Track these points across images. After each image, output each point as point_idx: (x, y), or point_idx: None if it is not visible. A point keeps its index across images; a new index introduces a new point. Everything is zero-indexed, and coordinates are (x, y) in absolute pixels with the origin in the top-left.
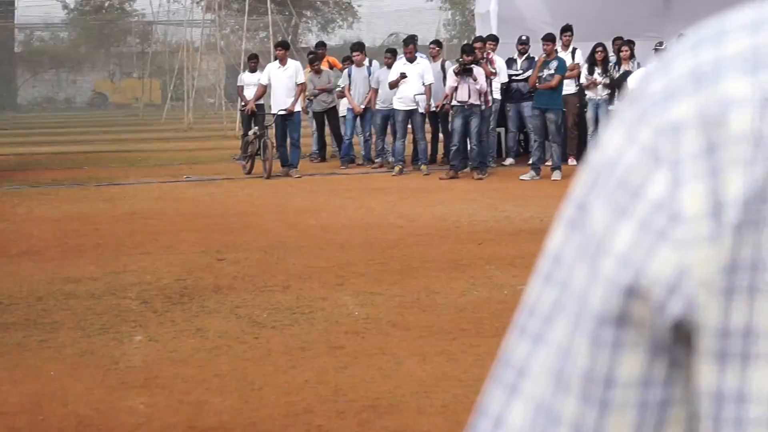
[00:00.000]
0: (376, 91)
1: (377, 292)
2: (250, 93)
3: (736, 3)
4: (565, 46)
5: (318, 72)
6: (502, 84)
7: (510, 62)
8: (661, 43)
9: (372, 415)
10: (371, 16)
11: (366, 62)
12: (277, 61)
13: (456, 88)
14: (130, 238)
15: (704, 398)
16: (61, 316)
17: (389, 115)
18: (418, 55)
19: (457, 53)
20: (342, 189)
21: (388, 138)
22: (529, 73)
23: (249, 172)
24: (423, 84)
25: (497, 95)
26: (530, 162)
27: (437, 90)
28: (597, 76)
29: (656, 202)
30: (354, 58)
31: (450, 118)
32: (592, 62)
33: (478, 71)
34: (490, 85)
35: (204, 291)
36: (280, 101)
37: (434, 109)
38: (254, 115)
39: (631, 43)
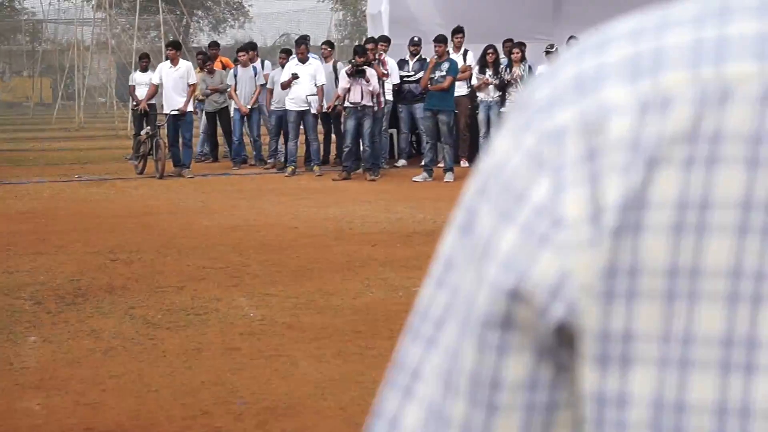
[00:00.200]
0: (271, 91)
1: (272, 294)
2: (141, 92)
3: (624, 7)
4: (457, 48)
5: (211, 72)
6: (394, 85)
7: (402, 63)
8: (552, 46)
9: (270, 416)
10: (263, 17)
11: (257, 62)
12: (169, 61)
13: (348, 90)
14: (22, 238)
15: (587, 401)
16: None
17: (283, 115)
18: (310, 55)
19: (349, 54)
20: (235, 190)
21: (282, 138)
22: (421, 74)
23: (141, 172)
24: (315, 85)
25: (389, 96)
26: (423, 163)
27: (329, 91)
28: (488, 77)
29: (539, 207)
30: (239, 58)
31: (342, 119)
32: (483, 64)
33: (370, 72)
34: (382, 86)
35: (98, 291)
36: (171, 101)
37: (326, 110)
38: (146, 114)
39: (522, 45)
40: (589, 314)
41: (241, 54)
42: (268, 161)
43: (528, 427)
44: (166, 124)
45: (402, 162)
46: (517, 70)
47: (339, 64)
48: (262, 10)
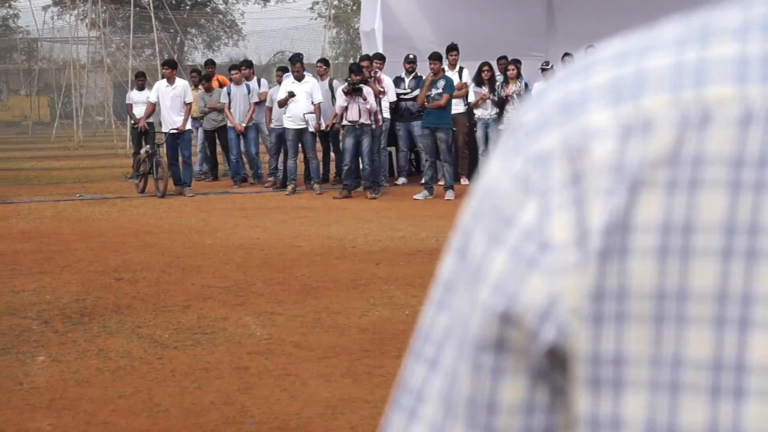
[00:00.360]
0: (270, 109)
1: (278, 312)
2: (139, 111)
3: (617, 23)
4: (452, 65)
5: (209, 90)
6: (391, 103)
7: (397, 81)
8: (547, 63)
9: None
10: (256, 34)
11: (254, 80)
12: (165, 79)
13: (346, 108)
14: (26, 257)
15: (582, 425)
16: None
17: (282, 133)
18: (305, 73)
19: (344, 71)
20: (236, 208)
21: (281, 156)
22: (417, 92)
23: (142, 191)
24: (312, 103)
25: (387, 114)
26: (423, 181)
27: (326, 109)
28: (486, 92)
29: (527, 231)
30: (232, 76)
31: (341, 138)
32: (479, 81)
33: (367, 91)
34: (379, 104)
35: (104, 311)
36: (169, 120)
37: (325, 128)
38: (145, 133)
39: (517, 62)
40: (579, 337)
41: (233, 72)
42: (268, 179)
43: None
44: (164, 143)
45: (402, 180)
46: (513, 86)
47: (335, 82)
48: (256, 27)
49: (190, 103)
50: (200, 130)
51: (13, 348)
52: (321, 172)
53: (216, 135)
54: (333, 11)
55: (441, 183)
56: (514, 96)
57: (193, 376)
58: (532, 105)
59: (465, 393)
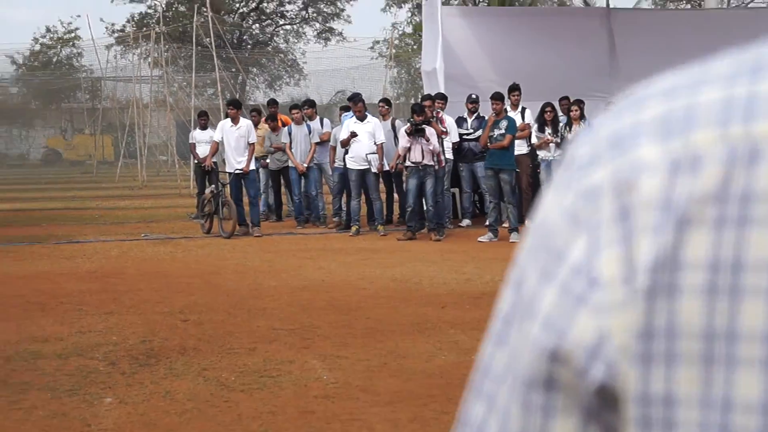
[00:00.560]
0: (334, 148)
1: (344, 356)
2: (202, 150)
3: (678, 64)
4: (514, 106)
5: (275, 130)
6: (454, 143)
7: (460, 121)
8: (612, 103)
9: None
10: (318, 74)
11: (317, 120)
12: (229, 119)
13: (409, 149)
14: (92, 297)
15: None
16: (30, 377)
17: (346, 173)
18: (367, 113)
19: (405, 111)
20: (300, 249)
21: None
22: (480, 132)
23: (208, 232)
24: (374, 143)
25: (449, 155)
26: (487, 223)
27: (389, 149)
28: (548, 136)
29: (576, 267)
30: (293, 116)
31: (404, 179)
32: (541, 122)
33: (430, 131)
34: (441, 144)
35: (170, 352)
36: (233, 160)
37: (389, 169)
38: (209, 172)
39: (580, 103)
40: (629, 376)
41: (294, 111)
42: (333, 219)
43: None
44: (229, 183)
45: (466, 222)
46: (577, 127)
47: (397, 122)
48: (317, 67)
49: (253, 144)
50: (261, 170)
51: (81, 389)
52: (384, 213)
53: (281, 175)
54: (394, 51)
55: (505, 225)
56: None
57: (260, 420)
58: (585, 139)
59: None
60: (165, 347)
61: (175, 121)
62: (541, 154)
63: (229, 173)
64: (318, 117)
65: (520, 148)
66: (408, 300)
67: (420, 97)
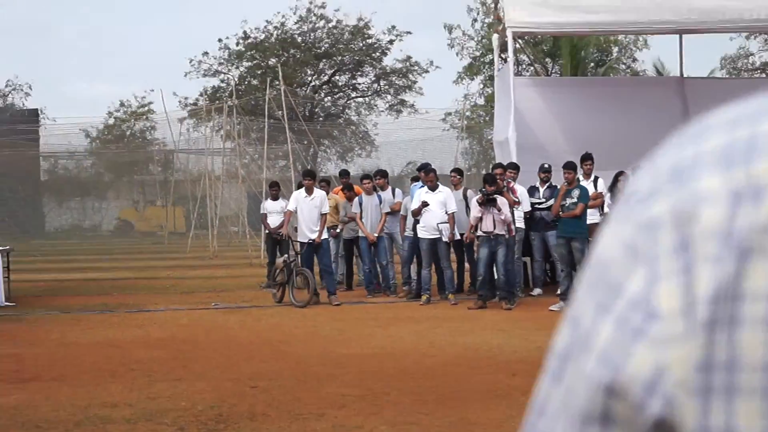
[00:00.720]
0: (404, 218)
1: (414, 422)
2: (273, 220)
3: None
4: (587, 175)
5: (351, 200)
6: (526, 213)
7: (532, 190)
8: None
9: None
10: (389, 145)
11: (388, 190)
12: (304, 189)
13: (480, 219)
14: (162, 364)
15: None
16: None
17: (416, 242)
18: (438, 183)
19: (476, 182)
20: (370, 318)
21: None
22: (552, 201)
23: (279, 301)
24: (446, 212)
25: (520, 224)
26: (559, 292)
27: (460, 218)
28: None
29: (634, 300)
30: (363, 186)
31: (475, 248)
32: (614, 191)
33: (501, 201)
34: (512, 213)
35: (239, 418)
36: (306, 230)
37: (459, 238)
38: (280, 242)
39: None
40: (687, 410)
41: (365, 182)
42: (403, 288)
43: None
44: (301, 253)
45: (537, 291)
46: None
47: (469, 192)
48: (389, 138)
49: (325, 214)
50: (331, 240)
51: None
52: (455, 282)
53: (354, 244)
54: (466, 122)
55: None
56: None
57: None
58: (645, 172)
59: None
60: (234, 413)
61: (247, 192)
62: None
63: (302, 243)
64: (390, 187)
65: (593, 217)
66: (478, 368)
67: (491, 167)
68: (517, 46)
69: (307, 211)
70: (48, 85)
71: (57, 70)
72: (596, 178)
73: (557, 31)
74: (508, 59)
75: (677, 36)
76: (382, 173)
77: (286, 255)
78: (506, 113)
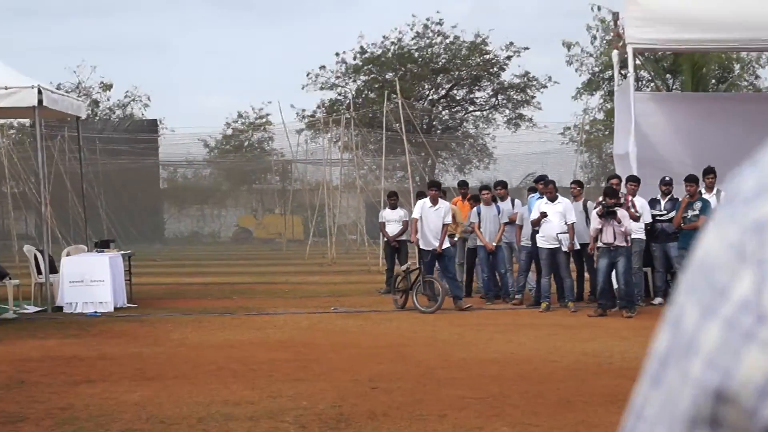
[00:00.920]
0: (520, 227)
1: (534, 424)
2: (391, 229)
3: None
4: (709, 189)
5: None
6: (647, 224)
7: (653, 203)
8: None
9: None
10: (507, 158)
11: (508, 200)
12: (429, 199)
13: (600, 230)
14: (283, 365)
15: None
16: None
17: (533, 251)
18: (558, 194)
19: (595, 195)
20: (489, 323)
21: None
22: (673, 213)
23: (402, 307)
24: (565, 223)
25: (641, 235)
26: None
27: (580, 230)
28: None
29: (743, 302)
30: (482, 197)
31: (595, 259)
32: None
33: (621, 213)
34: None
35: (359, 417)
36: (430, 238)
37: (578, 248)
38: (398, 250)
39: None
40: None
41: (484, 192)
42: (517, 296)
43: None
44: (425, 260)
45: (658, 300)
46: None
47: (589, 203)
48: (507, 151)
49: (447, 224)
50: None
51: None
52: (575, 291)
53: (475, 253)
54: (585, 136)
55: None
56: None
57: None
58: (750, 173)
59: None
60: (355, 413)
61: (365, 201)
62: None
63: (426, 251)
64: (509, 198)
65: None
66: (599, 373)
67: (607, 178)
68: (637, 62)
69: (431, 221)
70: (166, 97)
71: (175, 82)
72: (719, 192)
73: (678, 47)
74: (629, 75)
75: None
76: (503, 184)
77: (409, 263)
78: (626, 127)
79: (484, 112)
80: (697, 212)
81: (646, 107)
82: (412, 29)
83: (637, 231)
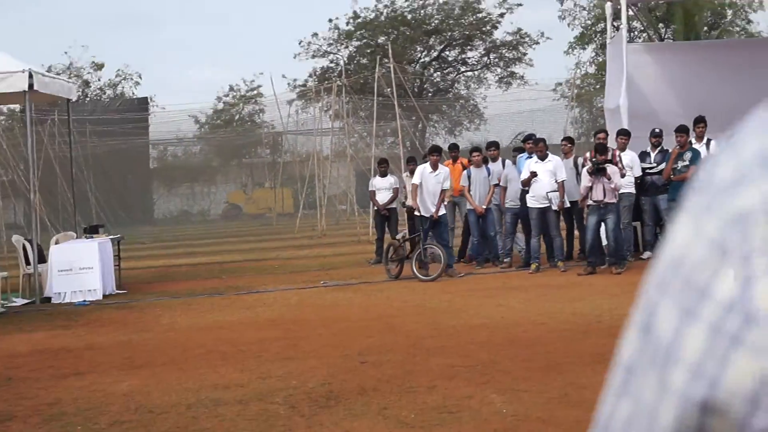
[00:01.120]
0: (504, 189)
1: (523, 389)
2: (381, 197)
3: None
4: (699, 138)
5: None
6: (636, 178)
7: (643, 156)
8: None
9: None
10: (498, 117)
11: (499, 161)
12: (429, 164)
13: (590, 188)
14: (272, 344)
15: None
16: (212, 423)
17: (518, 213)
18: (548, 152)
19: (585, 150)
20: (479, 288)
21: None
22: (663, 165)
23: (396, 277)
24: (555, 181)
25: (631, 189)
26: None
27: (570, 186)
28: None
29: (727, 303)
30: (472, 159)
31: (585, 216)
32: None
33: (612, 170)
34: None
35: (349, 394)
36: (430, 204)
37: (568, 206)
38: (388, 218)
39: None
40: None
41: (475, 154)
42: (505, 260)
43: None
44: (423, 227)
45: (648, 254)
46: None
47: (579, 160)
48: (498, 111)
49: (445, 190)
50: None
51: None
52: (565, 249)
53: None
54: (576, 91)
55: None
56: None
57: None
58: (726, 158)
59: None
60: (344, 389)
61: (355, 170)
62: None
63: (424, 217)
64: (501, 159)
65: None
66: (589, 333)
67: (594, 133)
68: (630, 13)
69: (431, 186)
70: (157, 74)
71: (165, 58)
72: (709, 141)
73: None
74: (621, 26)
75: None
76: (495, 144)
77: (403, 231)
78: (618, 80)
79: (476, 72)
80: (687, 163)
81: (639, 58)
82: None
83: (627, 185)
